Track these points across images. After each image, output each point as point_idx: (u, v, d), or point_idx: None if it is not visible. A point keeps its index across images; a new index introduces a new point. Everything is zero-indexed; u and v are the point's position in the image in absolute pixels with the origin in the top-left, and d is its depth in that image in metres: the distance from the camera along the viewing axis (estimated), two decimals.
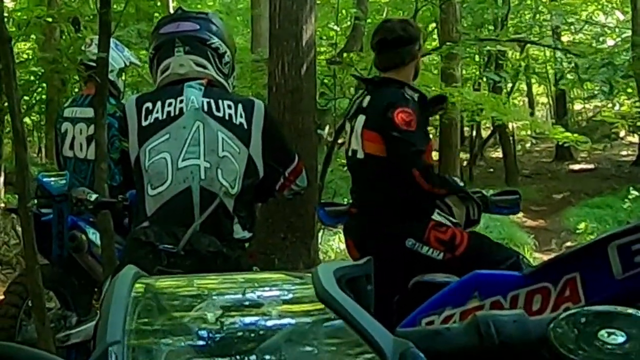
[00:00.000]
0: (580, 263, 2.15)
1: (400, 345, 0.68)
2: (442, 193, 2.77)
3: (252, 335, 0.75)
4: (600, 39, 10.78)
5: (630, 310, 0.70)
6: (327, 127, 7.67)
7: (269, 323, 0.78)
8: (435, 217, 2.79)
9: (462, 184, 2.91)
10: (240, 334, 0.76)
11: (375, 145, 2.77)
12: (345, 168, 3.28)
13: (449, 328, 0.73)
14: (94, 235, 3.47)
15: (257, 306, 0.81)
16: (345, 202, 3.49)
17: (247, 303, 0.82)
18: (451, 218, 2.86)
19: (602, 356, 0.65)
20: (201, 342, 0.75)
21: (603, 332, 0.68)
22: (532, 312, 2.06)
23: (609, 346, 0.66)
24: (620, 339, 0.67)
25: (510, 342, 0.70)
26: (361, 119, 2.84)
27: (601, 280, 2.09)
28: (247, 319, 0.79)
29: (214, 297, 0.85)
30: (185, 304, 0.82)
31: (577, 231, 9.27)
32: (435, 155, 5.87)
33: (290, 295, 0.86)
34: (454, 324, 0.79)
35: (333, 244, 6.80)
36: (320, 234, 6.10)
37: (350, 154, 2.92)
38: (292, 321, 0.79)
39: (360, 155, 2.83)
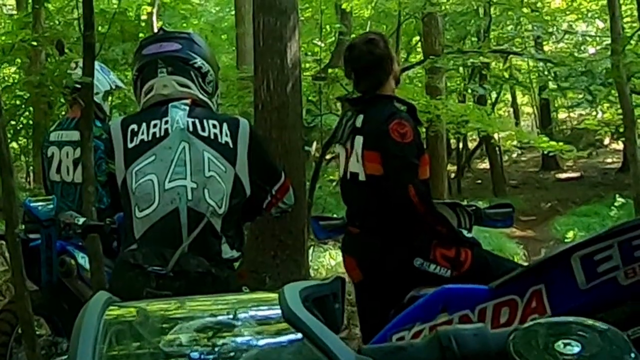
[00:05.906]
0: (545, 274, 2.18)
1: None
2: (430, 220, 2.68)
3: (223, 357, 0.77)
4: (582, 47, 10.90)
5: (585, 321, 0.73)
6: (314, 144, 7.70)
7: (241, 344, 0.80)
8: None
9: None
10: (212, 356, 0.78)
11: (375, 165, 2.73)
12: (335, 184, 3.26)
13: (412, 344, 0.75)
14: (83, 260, 3.46)
15: (229, 328, 0.83)
16: (336, 217, 3.49)
17: (220, 325, 0.84)
18: None
19: None
20: None
21: (560, 343, 0.71)
22: (500, 324, 2.09)
23: (565, 356, 0.69)
24: (576, 349, 0.70)
25: (471, 355, 0.73)
26: (359, 140, 2.80)
27: (566, 291, 2.12)
28: (219, 341, 0.81)
29: (188, 321, 0.87)
30: (158, 327, 0.84)
31: (566, 240, 9.32)
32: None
33: (264, 316, 0.88)
34: (417, 340, 0.82)
35: (324, 260, 6.80)
36: (310, 251, 6.10)
37: (348, 177, 2.86)
38: (262, 342, 0.81)
39: (362, 177, 2.79)
